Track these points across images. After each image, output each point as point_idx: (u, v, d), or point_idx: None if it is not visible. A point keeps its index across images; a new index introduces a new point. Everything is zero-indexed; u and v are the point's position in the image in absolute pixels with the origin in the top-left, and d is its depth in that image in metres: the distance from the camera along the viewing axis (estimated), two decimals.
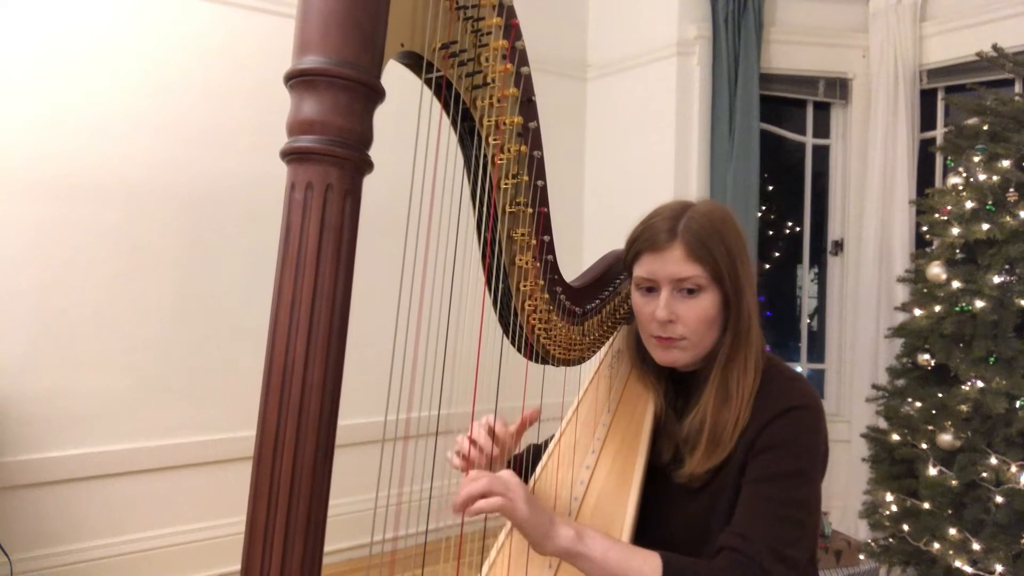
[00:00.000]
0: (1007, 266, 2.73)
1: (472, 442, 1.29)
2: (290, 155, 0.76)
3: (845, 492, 3.84)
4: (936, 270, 2.86)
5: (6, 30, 2.81)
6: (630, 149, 4.22)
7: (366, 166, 0.78)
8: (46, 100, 2.89)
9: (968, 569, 2.59)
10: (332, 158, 0.75)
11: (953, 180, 2.94)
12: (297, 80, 0.76)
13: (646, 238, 1.28)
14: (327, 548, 0.79)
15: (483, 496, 1.03)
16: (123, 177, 3.04)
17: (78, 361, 2.96)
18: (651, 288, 1.29)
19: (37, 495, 2.89)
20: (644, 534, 1.25)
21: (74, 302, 2.96)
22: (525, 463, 1.49)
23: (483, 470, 1.14)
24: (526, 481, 1.39)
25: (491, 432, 1.29)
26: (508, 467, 1.43)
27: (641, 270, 1.29)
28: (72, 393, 2.95)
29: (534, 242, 1.17)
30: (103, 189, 3.00)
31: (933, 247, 3.03)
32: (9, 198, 2.83)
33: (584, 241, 4.42)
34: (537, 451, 1.53)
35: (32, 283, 2.88)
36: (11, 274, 2.84)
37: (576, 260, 4.02)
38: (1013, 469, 2.56)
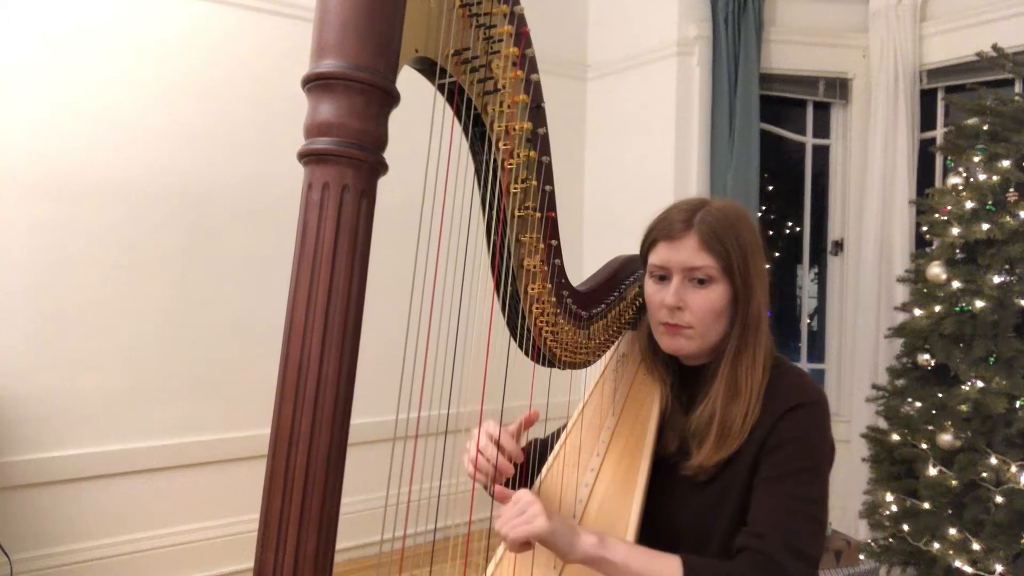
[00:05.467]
0: (1007, 266, 2.74)
1: (480, 452, 1.30)
2: (307, 156, 0.77)
3: (845, 492, 3.85)
4: (936, 270, 2.87)
5: (6, 30, 2.81)
6: (630, 149, 4.23)
7: (381, 168, 0.79)
8: (46, 100, 2.89)
9: (968, 569, 2.60)
10: (348, 160, 0.76)
11: (953, 180, 2.95)
12: (315, 83, 0.77)
13: (663, 227, 1.31)
14: (338, 545, 0.80)
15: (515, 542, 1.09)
16: (123, 177, 3.05)
17: (78, 361, 2.97)
18: (664, 276, 1.32)
19: (37, 495, 2.89)
20: (648, 525, 1.26)
21: (74, 302, 2.96)
22: (531, 458, 1.50)
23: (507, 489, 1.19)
24: (530, 474, 1.40)
25: (496, 442, 1.30)
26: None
27: (655, 258, 1.32)
28: (72, 393, 2.95)
29: (542, 246, 1.18)
30: (103, 189, 3.00)
31: (933, 247, 3.04)
32: (9, 198, 2.83)
33: (584, 241, 4.42)
34: (543, 447, 1.53)
35: (32, 283, 2.88)
36: (11, 274, 2.84)
37: (576, 260, 4.02)
38: (1013, 469, 2.57)
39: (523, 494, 1.12)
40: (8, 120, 2.83)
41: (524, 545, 1.10)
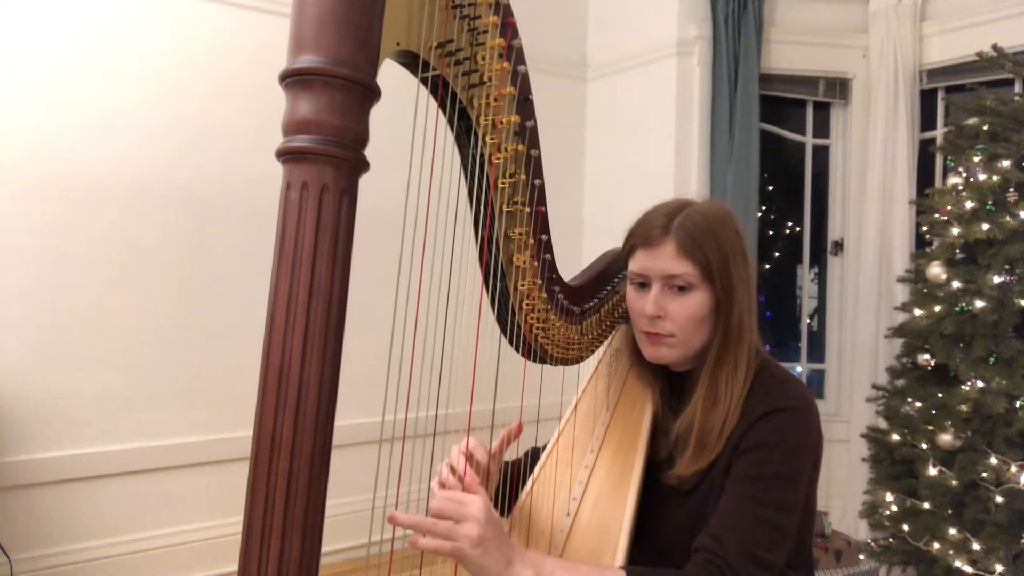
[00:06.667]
0: (1007, 266, 2.73)
1: (454, 471, 1.25)
2: (286, 155, 0.76)
3: (845, 492, 3.84)
4: (936, 270, 2.86)
5: (5, 30, 2.81)
6: (630, 149, 4.22)
7: (362, 166, 0.78)
8: (46, 100, 2.88)
9: (968, 569, 2.59)
10: (328, 158, 0.75)
11: (953, 180, 2.94)
12: (292, 80, 0.76)
13: (640, 233, 1.28)
14: (325, 548, 0.79)
15: (428, 532, 0.99)
16: (122, 177, 3.04)
17: (78, 361, 2.96)
18: (643, 283, 1.29)
19: (37, 495, 2.88)
20: (639, 538, 1.24)
21: (74, 302, 2.95)
22: (524, 467, 1.49)
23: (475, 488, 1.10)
24: (524, 484, 1.39)
25: (470, 459, 1.26)
26: (505, 473, 1.42)
27: (634, 264, 1.30)
28: (72, 393, 2.95)
29: (532, 241, 1.17)
30: (102, 189, 3.00)
31: (933, 247, 3.03)
32: (8, 198, 2.83)
33: (584, 241, 4.41)
34: (536, 454, 1.52)
35: (32, 283, 2.87)
36: (11, 274, 2.84)
37: (576, 259, 4.00)
38: (1013, 469, 2.56)
39: (473, 505, 1.00)
40: (8, 120, 2.82)
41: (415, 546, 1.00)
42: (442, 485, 1.23)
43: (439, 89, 0.94)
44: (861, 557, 3.21)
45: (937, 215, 2.95)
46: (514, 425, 1.30)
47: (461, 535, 0.98)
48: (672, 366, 1.37)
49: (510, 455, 1.49)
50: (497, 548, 1.00)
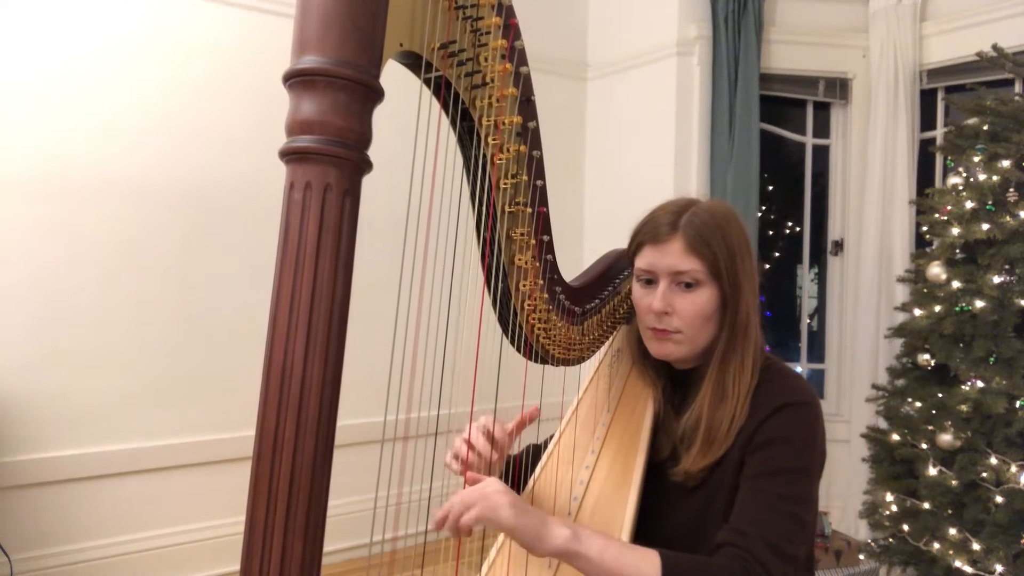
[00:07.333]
0: (1007, 266, 2.73)
1: (470, 446, 1.29)
2: (289, 155, 0.76)
3: (845, 492, 3.84)
4: (936, 270, 2.86)
5: (5, 30, 2.81)
6: (630, 149, 4.22)
7: (365, 166, 0.78)
8: (47, 101, 2.89)
9: (968, 569, 2.59)
10: (331, 158, 0.75)
11: (953, 180, 2.94)
12: (296, 80, 0.76)
13: (648, 230, 1.29)
14: (326, 548, 0.79)
15: (461, 514, 1.03)
16: (123, 177, 3.04)
17: (78, 361, 2.96)
18: (650, 280, 1.30)
19: (37, 495, 2.88)
20: (642, 534, 1.25)
21: (74, 302, 2.95)
22: (524, 463, 1.49)
23: (480, 474, 1.14)
24: (525, 481, 1.39)
25: (489, 436, 1.29)
26: (506, 468, 1.43)
27: (641, 261, 1.31)
28: (72, 393, 2.95)
29: (533, 242, 1.17)
30: (103, 189, 3.00)
31: (933, 247, 3.03)
32: (9, 198, 2.83)
33: (584, 241, 4.42)
34: (536, 451, 1.52)
35: (32, 283, 2.88)
36: (11, 274, 2.84)
37: (576, 260, 4.02)
38: (1013, 469, 2.56)
39: (491, 479, 1.07)
40: (9, 121, 2.83)
41: (463, 530, 1.04)
42: (456, 456, 1.28)
43: (442, 90, 0.95)
44: (861, 557, 3.21)
45: (937, 215, 2.95)
46: (531, 409, 1.33)
47: (494, 502, 1.03)
48: (677, 363, 1.37)
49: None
50: (530, 511, 1.05)
